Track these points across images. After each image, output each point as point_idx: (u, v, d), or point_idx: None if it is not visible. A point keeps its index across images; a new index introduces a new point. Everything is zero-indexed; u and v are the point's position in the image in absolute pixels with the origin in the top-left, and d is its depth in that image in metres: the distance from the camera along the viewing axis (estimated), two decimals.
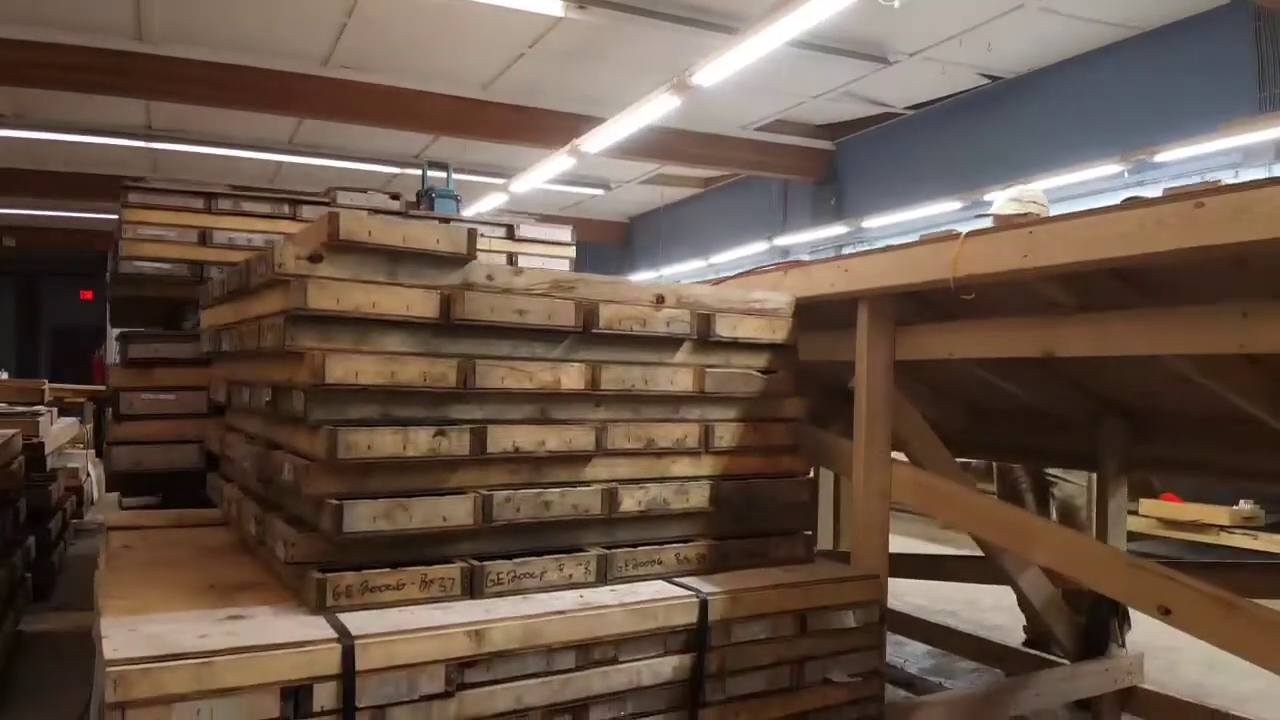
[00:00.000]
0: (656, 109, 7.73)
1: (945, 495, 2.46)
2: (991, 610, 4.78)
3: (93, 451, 8.02)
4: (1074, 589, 3.11)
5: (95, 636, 1.98)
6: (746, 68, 6.87)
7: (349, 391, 1.94)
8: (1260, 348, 1.72)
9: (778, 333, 2.57)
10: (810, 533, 2.63)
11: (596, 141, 8.89)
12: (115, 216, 3.59)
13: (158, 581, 2.10)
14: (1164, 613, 1.87)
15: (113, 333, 4.19)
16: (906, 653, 4.19)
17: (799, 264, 2.75)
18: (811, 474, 3.12)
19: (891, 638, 3.42)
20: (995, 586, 4.21)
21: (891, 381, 2.55)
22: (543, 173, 10.33)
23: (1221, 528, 5.91)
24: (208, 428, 3.06)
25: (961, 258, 2.14)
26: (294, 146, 11.00)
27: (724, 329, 2.45)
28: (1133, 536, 4.45)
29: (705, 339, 2.42)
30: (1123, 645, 3.06)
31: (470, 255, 2.09)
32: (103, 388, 7.87)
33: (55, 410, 5.88)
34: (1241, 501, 5.85)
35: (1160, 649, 3.87)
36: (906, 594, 4.32)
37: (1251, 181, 1.63)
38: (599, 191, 13.28)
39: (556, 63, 8.38)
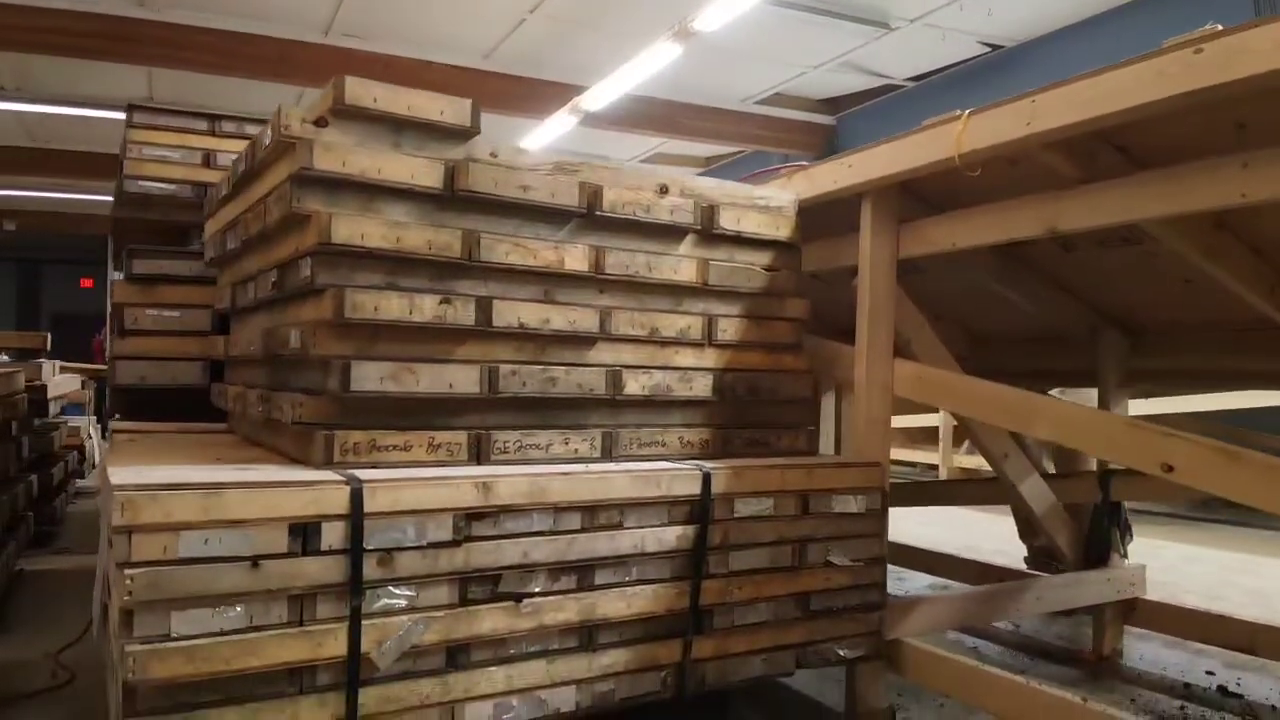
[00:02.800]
0: (659, 58, 7.74)
1: (946, 385, 2.48)
2: (992, 554, 4.78)
3: (94, 417, 8.06)
4: (1075, 503, 3.13)
5: (101, 502, 1.99)
6: (748, 23, 6.88)
7: (355, 257, 1.95)
8: (1261, 195, 1.73)
9: (781, 230, 2.57)
10: (813, 428, 2.63)
11: (599, 97, 8.88)
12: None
13: (165, 458, 2.11)
14: (1167, 470, 1.88)
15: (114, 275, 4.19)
16: (908, 585, 4.20)
17: (801, 167, 2.76)
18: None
19: (893, 571, 3.41)
20: (995, 530, 4.22)
21: (894, 278, 2.56)
22: (546, 133, 10.29)
23: None
24: (212, 342, 3.06)
25: (965, 134, 2.15)
26: None
27: (728, 222, 2.45)
28: None
29: (709, 231, 2.43)
30: (1125, 556, 3.07)
31: (474, 129, 2.09)
32: (104, 368, 7.91)
33: (57, 364, 5.91)
34: None
35: (1160, 583, 3.87)
36: (906, 543, 4.32)
37: (1249, 22, 1.64)
38: None
39: (558, 29, 8.38)
